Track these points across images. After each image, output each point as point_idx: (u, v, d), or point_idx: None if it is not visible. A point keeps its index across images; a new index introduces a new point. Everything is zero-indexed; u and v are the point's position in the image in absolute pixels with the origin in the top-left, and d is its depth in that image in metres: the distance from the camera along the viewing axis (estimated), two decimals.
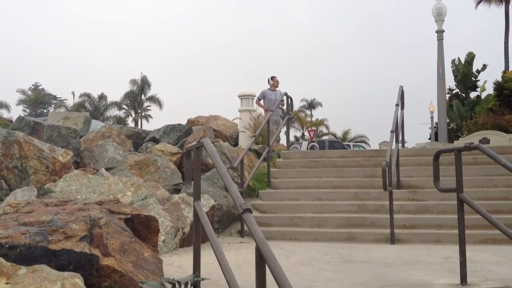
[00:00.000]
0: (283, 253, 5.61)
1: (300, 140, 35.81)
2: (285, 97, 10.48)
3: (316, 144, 20.89)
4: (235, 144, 11.48)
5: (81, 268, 3.36)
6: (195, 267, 3.33)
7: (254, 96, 12.09)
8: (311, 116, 59.84)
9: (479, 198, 6.90)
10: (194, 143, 3.67)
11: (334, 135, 52.64)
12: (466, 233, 6.05)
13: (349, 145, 27.66)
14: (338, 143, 22.98)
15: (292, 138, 50.33)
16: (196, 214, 3.41)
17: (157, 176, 7.53)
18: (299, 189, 8.24)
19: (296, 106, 60.38)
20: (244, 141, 10.97)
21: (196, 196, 3.49)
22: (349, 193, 7.80)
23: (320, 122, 56.99)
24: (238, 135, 12.01)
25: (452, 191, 4.20)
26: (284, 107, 11.00)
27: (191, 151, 3.81)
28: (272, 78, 11.78)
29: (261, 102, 11.63)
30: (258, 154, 9.13)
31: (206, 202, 6.36)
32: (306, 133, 42.67)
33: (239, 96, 12.12)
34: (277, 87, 11.79)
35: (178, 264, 4.80)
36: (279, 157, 9.74)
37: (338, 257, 5.26)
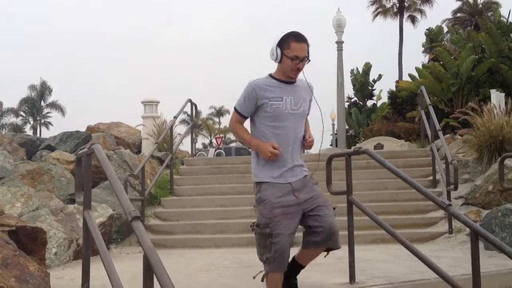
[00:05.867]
0: (183, 260, 5.57)
1: (208, 148, 35.81)
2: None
3: (222, 151, 20.96)
4: (138, 151, 11.24)
5: None
6: (84, 280, 3.21)
7: (158, 102, 11.90)
8: (219, 123, 60.22)
9: (371, 200, 7.29)
10: (85, 149, 3.55)
11: (242, 142, 53.20)
12: (358, 234, 6.35)
13: None
14: (244, 150, 23.20)
15: (200, 146, 50.27)
16: (85, 224, 3.28)
17: (51, 185, 7.16)
18: (202, 195, 8.22)
19: (205, 113, 60.56)
20: (147, 148, 10.76)
21: (86, 205, 3.37)
22: (252, 199, 7.88)
23: (228, 130, 57.46)
24: (141, 142, 11.77)
25: (343, 193, 4.40)
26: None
27: (82, 158, 3.68)
28: (288, 38, 3.10)
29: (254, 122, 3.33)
30: (161, 161, 9.01)
31: (104, 212, 6.16)
32: (214, 141, 42.76)
33: (142, 103, 11.89)
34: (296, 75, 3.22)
35: (70, 277, 4.59)
36: (183, 164, 9.67)
37: (238, 262, 5.31)
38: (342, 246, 5.69)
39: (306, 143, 3.26)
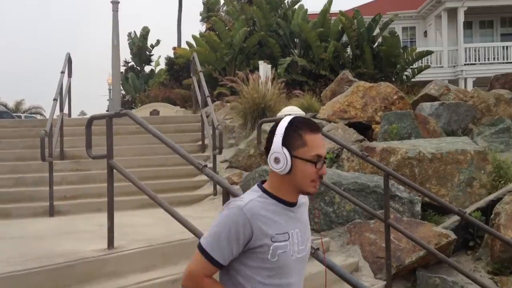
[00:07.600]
0: None
1: None
2: None
3: None
4: None
5: None
6: None
7: None
8: None
9: (141, 165, 7.20)
10: None
11: (5, 105, 47.88)
12: (127, 200, 6.23)
13: (20, 116, 25.58)
14: (7, 114, 20.88)
15: None
16: None
17: None
18: None
19: None
20: None
21: None
22: (7, 166, 7.11)
23: None
24: None
25: (103, 157, 4.16)
26: None
27: None
28: (297, 129, 1.75)
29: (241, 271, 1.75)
30: None
31: None
32: None
33: None
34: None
35: None
36: None
37: None
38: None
39: None
